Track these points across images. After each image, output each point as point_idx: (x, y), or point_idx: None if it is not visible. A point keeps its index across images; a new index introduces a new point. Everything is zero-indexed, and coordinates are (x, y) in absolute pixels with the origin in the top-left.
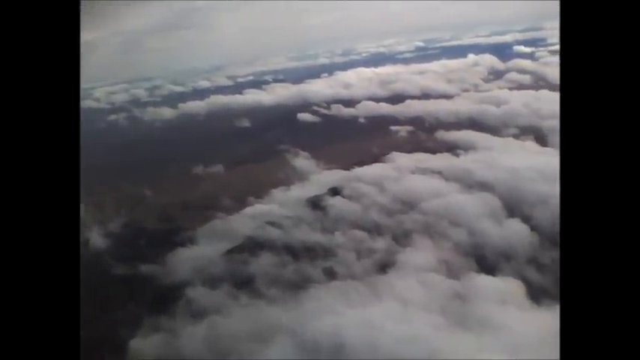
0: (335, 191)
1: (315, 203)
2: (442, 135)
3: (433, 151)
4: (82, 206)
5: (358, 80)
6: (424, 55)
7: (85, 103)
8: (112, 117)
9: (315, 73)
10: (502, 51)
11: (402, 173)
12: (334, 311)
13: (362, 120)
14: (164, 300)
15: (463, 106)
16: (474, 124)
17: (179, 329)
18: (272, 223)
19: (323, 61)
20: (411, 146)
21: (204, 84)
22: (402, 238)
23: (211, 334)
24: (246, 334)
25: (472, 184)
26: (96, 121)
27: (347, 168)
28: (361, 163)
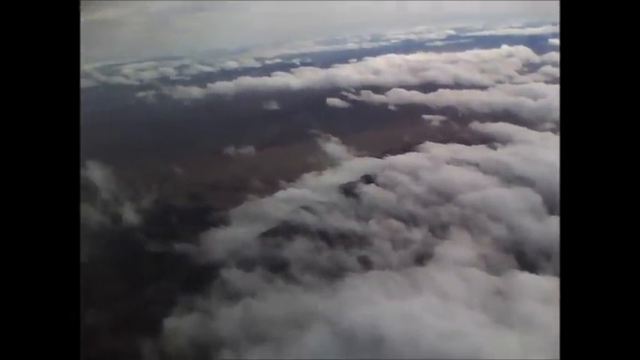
0: (368, 179)
1: (348, 190)
2: (477, 126)
3: (468, 143)
4: (113, 181)
5: (388, 67)
6: (456, 43)
7: (114, 79)
8: (141, 94)
9: (343, 57)
10: (536, 43)
11: (437, 163)
12: (372, 301)
13: (392, 107)
14: (198, 279)
15: (498, 97)
16: (509, 116)
17: (214, 310)
18: (306, 208)
19: (351, 46)
20: (445, 136)
21: (231, 65)
22: (439, 230)
23: (247, 316)
24: (281, 319)
25: (511, 178)
26: (125, 98)
27: (379, 156)
28: (394, 152)
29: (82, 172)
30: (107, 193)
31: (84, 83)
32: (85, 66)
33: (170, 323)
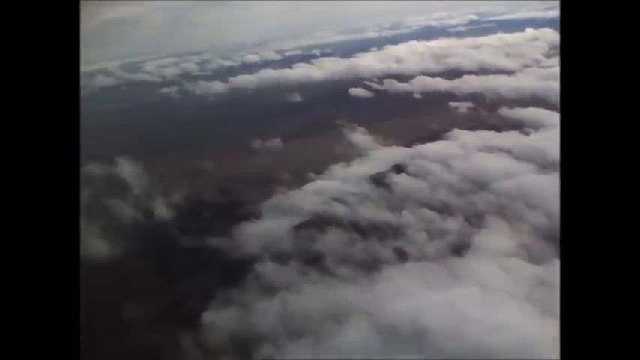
0: (399, 169)
1: (378, 180)
2: (506, 112)
3: (498, 129)
4: (144, 177)
5: (410, 54)
6: (478, 28)
7: (137, 76)
8: (165, 90)
9: (363, 47)
10: None
11: (468, 151)
12: (411, 293)
13: (417, 95)
14: (233, 273)
15: (525, 82)
16: (539, 101)
17: (251, 304)
18: (337, 200)
19: (371, 34)
20: (473, 123)
21: (252, 58)
22: (475, 220)
23: (284, 310)
24: (319, 313)
25: (546, 164)
26: (149, 95)
27: (407, 145)
28: (422, 140)
29: (113, 170)
30: (139, 189)
31: (107, 81)
32: (108, 64)
33: (208, 317)
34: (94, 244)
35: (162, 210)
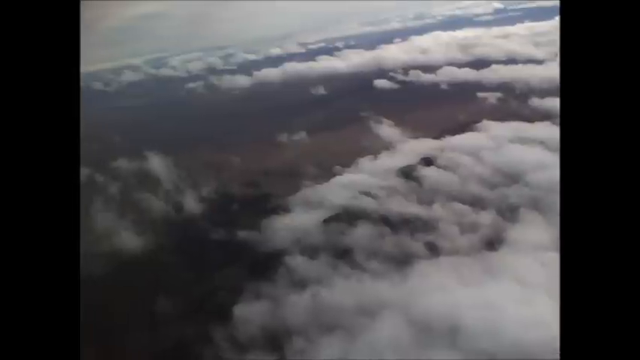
0: (428, 161)
1: (407, 173)
2: (537, 102)
3: (529, 120)
4: (174, 171)
5: (435, 45)
6: (504, 17)
7: (163, 72)
8: (190, 85)
9: (387, 38)
10: None
11: (499, 143)
12: (445, 288)
13: (444, 86)
14: (263, 267)
15: (556, 71)
16: None
17: (282, 297)
18: (366, 193)
19: (395, 25)
20: (503, 114)
21: (276, 51)
22: (508, 213)
23: (315, 304)
24: (351, 308)
25: None
26: (175, 89)
27: (436, 137)
28: (451, 132)
29: (143, 164)
30: (168, 183)
31: (134, 77)
32: (134, 60)
33: (239, 310)
34: (126, 238)
35: (191, 204)
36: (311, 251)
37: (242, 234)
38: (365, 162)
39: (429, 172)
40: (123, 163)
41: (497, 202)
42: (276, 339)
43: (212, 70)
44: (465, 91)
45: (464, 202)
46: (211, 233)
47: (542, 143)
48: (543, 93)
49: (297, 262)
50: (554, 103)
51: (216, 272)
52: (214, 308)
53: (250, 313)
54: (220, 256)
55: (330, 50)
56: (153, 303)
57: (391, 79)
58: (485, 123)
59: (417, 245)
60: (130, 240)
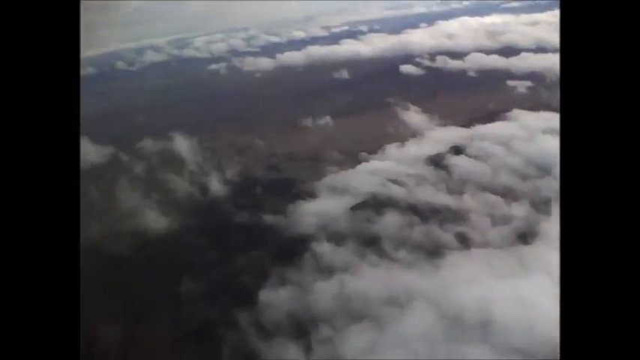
0: (457, 150)
1: (436, 162)
2: None
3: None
4: (199, 152)
5: (462, 30)
6: (533, 4)
7: (186, 52)
8: (213, 66)
9: (412, 22)
10: None
11: (531, 133)
12: (477, 281)
13: (472, 73)
14: (289, 252)
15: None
16: None
17: (308, 284)
18: (394, 181)
19: (420, 10)
20: (533, 103)
21: (299, 34)
22: (542, 206)
23: (342, 292)
24: (380, 297)
25: None
26: (198, 71)
27: (465, 125)
28: (480, 120)
29: (169, 145)
30: (193, 164)
31: (157, 57)
32: (157, 40)
33: (265, 295)
34: (151, 218)
35: (216, 186)
36: (338, 238)
37: (267, 218)
38: (392, 149)
39: (458, 161)
40: (147, 143)
41: (530, 194)
42: (302, 326)
43: (234, 52)
44: (493, 79)
45: (495, 193)
46: (236, 216)
47: None
48: None
49: (324, 248)
50: None
51: (241, 255)
52: (239, 292)
53: (276, 298)
54: (245, 240)
55: (354, 34)
56: (177, 284)
57: (417, 64)
58: (516, 112)
59: (447, 236)
60: (155, 220)
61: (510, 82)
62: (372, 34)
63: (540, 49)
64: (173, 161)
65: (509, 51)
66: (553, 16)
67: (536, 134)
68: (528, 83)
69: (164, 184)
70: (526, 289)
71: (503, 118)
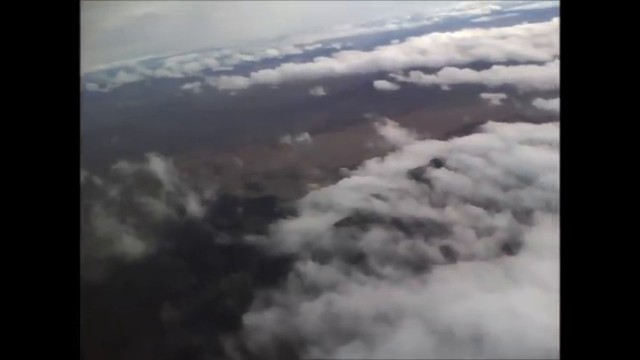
0: (437, 163)
1: (417, 175)
2: (541, 103)
3: (535, 121)
4: (175, 173)
5: (434, 46)
6: (502, 18)
7: (158, 72)
8: (187, 86)
9: (384, 39)
10: None
11: (509, 144)
12: (466, 295)
13: (446, 87)
14: (273, 273)
15: (558, 72)
16: None
17: (293, 305)
18: (377, 196)
19: (391, 27)
20: (507, 115)
21: (272, 52)
22: (524, 216)
23: (329, 312)
24: (369, 315)
25: None
26: (172, 91)
27: (443, 138)
28: (457, 133)
29: (145, 166)
30: (170, 185)
31: (130, 78)
32: (130, 60)
33: (250, 319)
34: (128, 243)
35: (194, 207)
36: (322, 256)
37: (248, 238)
38: (372, 164)
39: (439, 174)
40: (122, 165)
41: (512, 205)
42: (290, 349)
43: (208, 71)
44: (467, 92)
45: (477, 205)
46: (216, 237)
47: (550, 144)
48: (547, 94)
49: (309, 267)
50: (558, 104)
51: (222, 278)
52: (223, 316)
53: (261, 321)
54: (226, 262)
55: (327, 51)
56: (157, 309)
57: (391, 80)
58: (491, 124)
59: (432, 250)
60: (132, 245)
61: (484, 95)
62: (346, 52)
63: (511, 62)
64: (149, 183)
65: (480, 64)
66: (522, 29)
67: (513, 145)
68: (502, 95)
69: (140, 207)
70: (515, 300)
71: (480, 130)
